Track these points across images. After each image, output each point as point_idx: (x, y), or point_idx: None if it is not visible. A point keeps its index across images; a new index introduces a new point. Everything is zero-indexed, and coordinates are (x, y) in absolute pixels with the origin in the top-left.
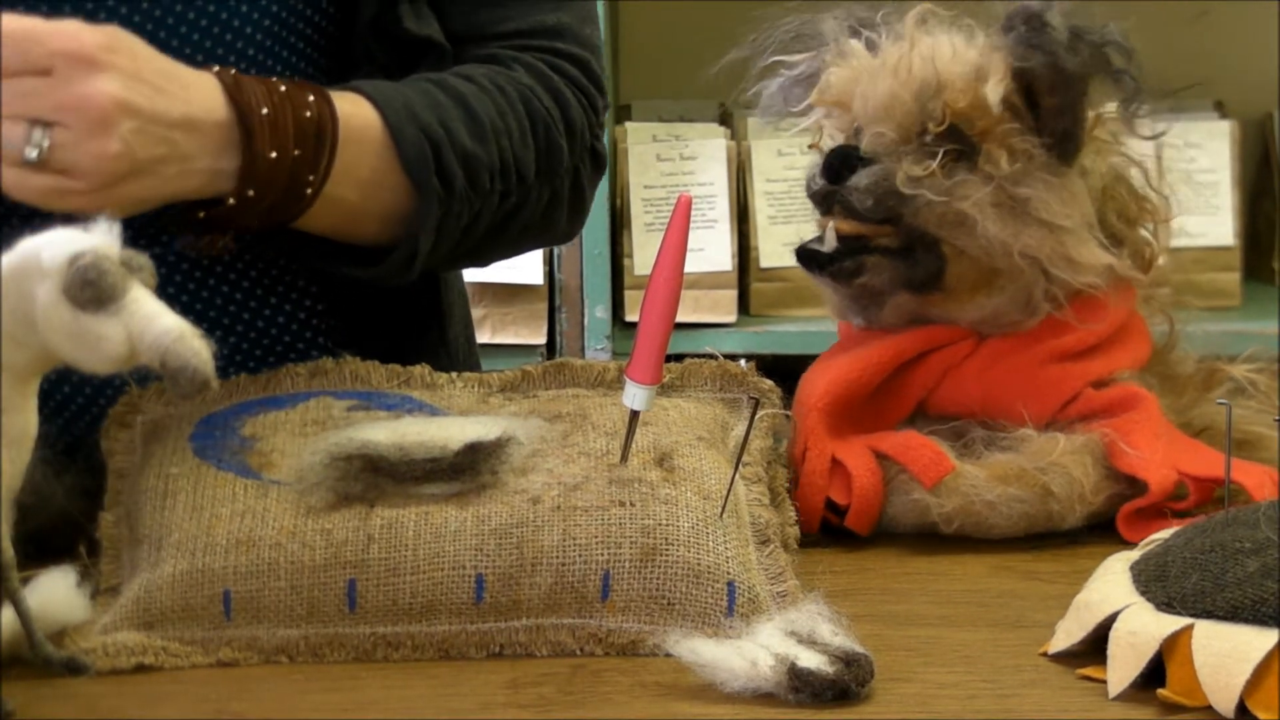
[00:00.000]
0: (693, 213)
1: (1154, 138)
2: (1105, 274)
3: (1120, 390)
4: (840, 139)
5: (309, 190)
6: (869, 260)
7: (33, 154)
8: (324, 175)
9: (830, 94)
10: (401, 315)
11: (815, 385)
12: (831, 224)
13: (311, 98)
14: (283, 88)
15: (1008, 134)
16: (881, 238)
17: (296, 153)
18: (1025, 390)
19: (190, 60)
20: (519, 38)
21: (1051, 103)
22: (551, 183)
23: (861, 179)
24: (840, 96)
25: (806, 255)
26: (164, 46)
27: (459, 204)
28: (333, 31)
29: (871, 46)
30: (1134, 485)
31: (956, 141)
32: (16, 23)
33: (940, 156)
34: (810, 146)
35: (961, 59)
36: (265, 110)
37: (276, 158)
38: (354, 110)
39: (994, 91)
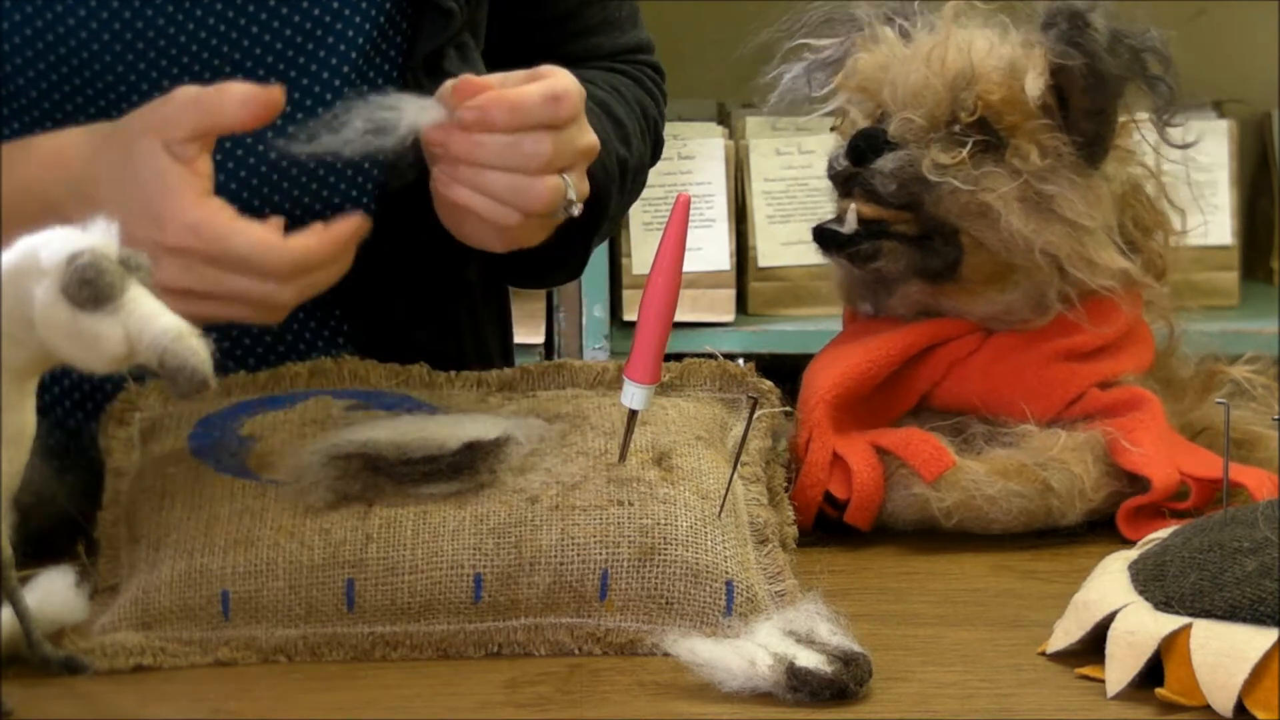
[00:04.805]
0: (691, 212)
1: (1185, 147)
2: (1120, 278)
3: (1125, 391)
4: (864, 124)
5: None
6: (886, 245)
7: (577, 208)
8: None
9: (857, 78)
10: (426, 331)
11: (824, 377)
12: (853, 206)
13: None
14: None
15: (1038, 130)
16: (900, 224)
17: None
18: (1030, 388)
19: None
20: (613, 57)
21: (1085, 103)
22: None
23: (887, 163)
24: (867, 82)
25: (825, 235)
26: (256, 82)
27: (614, 203)
28: (400, 65)
29: (904, 35)
30: (1134, 483)
31: (985, 134)
32: (570, 77)
33: (969, 146)
34: (833, 129)
35: (997, 54)
36: None
37: None
38: None
39: (1034, 84)
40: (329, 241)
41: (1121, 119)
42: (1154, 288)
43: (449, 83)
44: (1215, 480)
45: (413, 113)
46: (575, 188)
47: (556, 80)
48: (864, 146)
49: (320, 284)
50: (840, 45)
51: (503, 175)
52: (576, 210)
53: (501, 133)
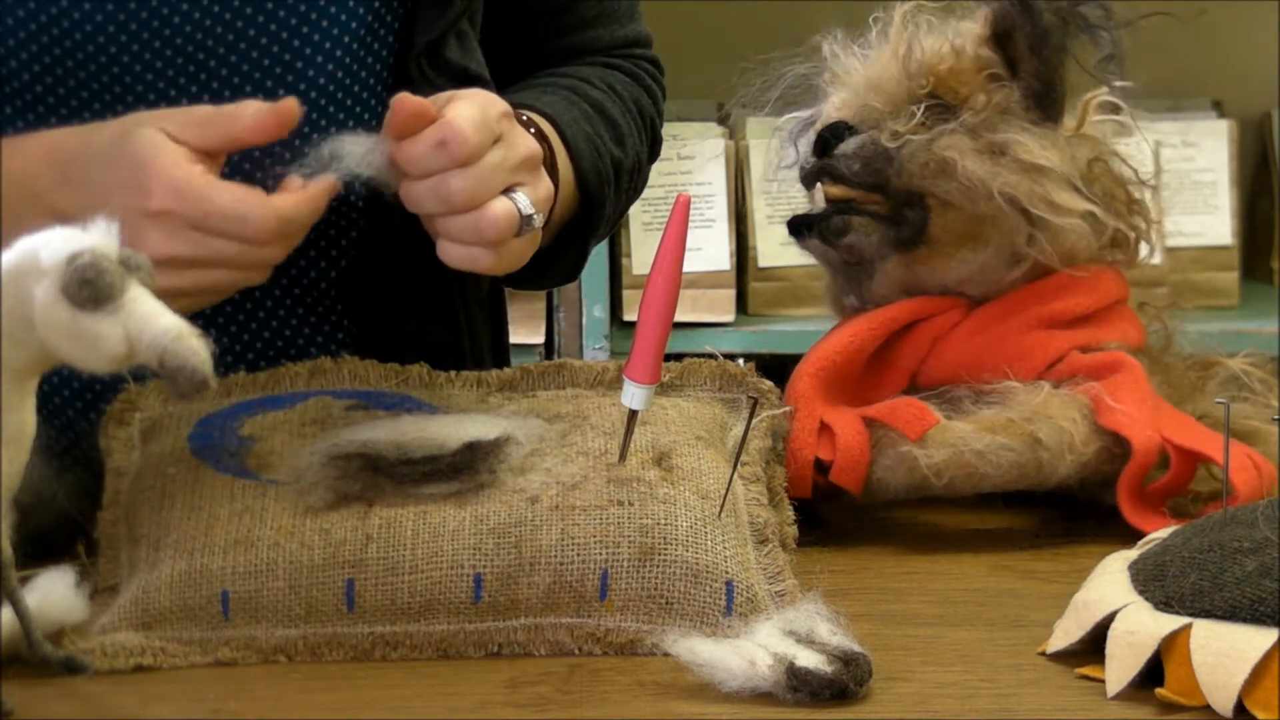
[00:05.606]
0: (691, 212)
1: (1123, 83)
2: (1087, 219)
3: (1107, 355)
4: None
5: (549, 209)
6: (855, 219)
7: (539, 218)
8: (556, 193)
9: (833, 115)
10: (422, 323)
11: (811, 356)
12: (819, 186)
13: (525, 117)
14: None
15: (986, 83)
16: (870, 205)
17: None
18: (1011, 353)
19: (270, 82)
20: (610, 50)
21: (1030, 61)
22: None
23: (849, 145)
24: (841, 114)
25: (795, 223)
26: (249, 67)
27: (610, 205)
28: (397, 54)
29: (866, 60)
30: (1122, 442)
31: (939, 102)
32: (467, 110)
33: (922, 110)
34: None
35: (945, 38)
36: None
37: None
38: (548, 129)
39: (969, 31)
40: (309, 199)
41: (1086, 99)
42: (1129, 245)
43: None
44: (1196, 452)
45: (355, 157)
46: (530, 200)
47: (443, 125)
48: (828, 136)
49: (296, 242)
50: (817, 112)
51: (450, 220)
52: (538, 221)
53: (418, 180)
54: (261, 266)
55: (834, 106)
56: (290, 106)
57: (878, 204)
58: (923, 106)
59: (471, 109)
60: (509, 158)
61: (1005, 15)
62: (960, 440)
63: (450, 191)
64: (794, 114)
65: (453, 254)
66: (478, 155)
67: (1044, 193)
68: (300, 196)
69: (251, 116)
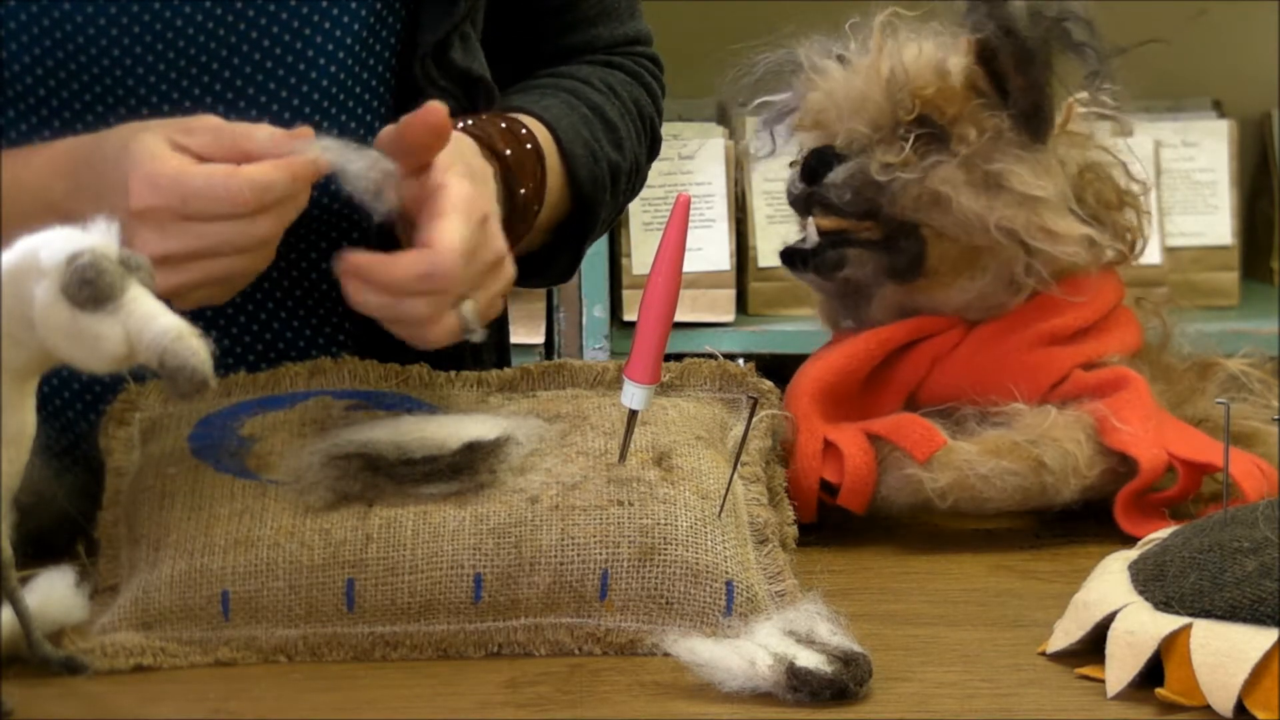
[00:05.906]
0: (691, 212)
1: (1116, 107)
2: (1084, 244)
3: (1110, 372)
4: None
5: (534, 219)
6: (850, 252)
7: (478, 336)
8: (542, 203)
9: (811, 117)
10: None
11: (806, 374)
12: (811, 220)
13: (524, 130)
14: (502, 124)
15: (976, 113)
16: (864, 232)
17: (530, 185)
18: (1014, 373)
19: (272, 84)
20: (611, 48)
21: (1017, 80)
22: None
23: (838, 174)
24: (819, 117)
25: (789, 254)
26: (250, 69)
27: (606, 209)
28: (400, 57)
29: (844, 63)
30: (1127, 462)
31: (927, 128)
32: (459, 234)
33: (911, 141)
34: (792, 165)
35: (927, 53)
36: (509, 152)
37: (524, 194)
38: (544, 137)
39: (956, 65)
40: (281, 166)
41: (1069, 100)
42: (1125, 257)
43: (386, 131)
44: (1203, 464)
45: (358, 167)
46: (474, 313)
47: (431, 256)
48: (815, 164)
49: (286, 215)
50: (792, 97)
51: (394, 324)
52: (478, 337)
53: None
54: (258, 245)
55: (812, 106)
56: (306, 134)
57: (870, 230)
58: (912, 137)
59: (464, 231)
60: (472, 270)
61: (987, 41)
62: (965, 463)
63: (406, 312)
64: (767, 98)
65: (403, 336)
66: (456, 289)
67: (1041, 222)
68: (271, 163)
69: (267, 139)
